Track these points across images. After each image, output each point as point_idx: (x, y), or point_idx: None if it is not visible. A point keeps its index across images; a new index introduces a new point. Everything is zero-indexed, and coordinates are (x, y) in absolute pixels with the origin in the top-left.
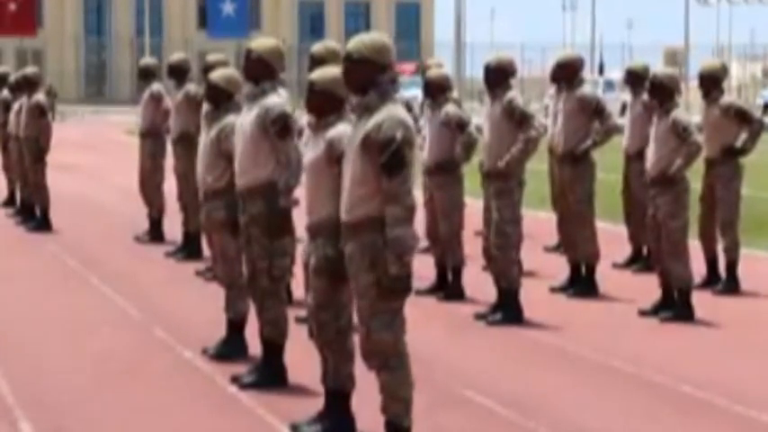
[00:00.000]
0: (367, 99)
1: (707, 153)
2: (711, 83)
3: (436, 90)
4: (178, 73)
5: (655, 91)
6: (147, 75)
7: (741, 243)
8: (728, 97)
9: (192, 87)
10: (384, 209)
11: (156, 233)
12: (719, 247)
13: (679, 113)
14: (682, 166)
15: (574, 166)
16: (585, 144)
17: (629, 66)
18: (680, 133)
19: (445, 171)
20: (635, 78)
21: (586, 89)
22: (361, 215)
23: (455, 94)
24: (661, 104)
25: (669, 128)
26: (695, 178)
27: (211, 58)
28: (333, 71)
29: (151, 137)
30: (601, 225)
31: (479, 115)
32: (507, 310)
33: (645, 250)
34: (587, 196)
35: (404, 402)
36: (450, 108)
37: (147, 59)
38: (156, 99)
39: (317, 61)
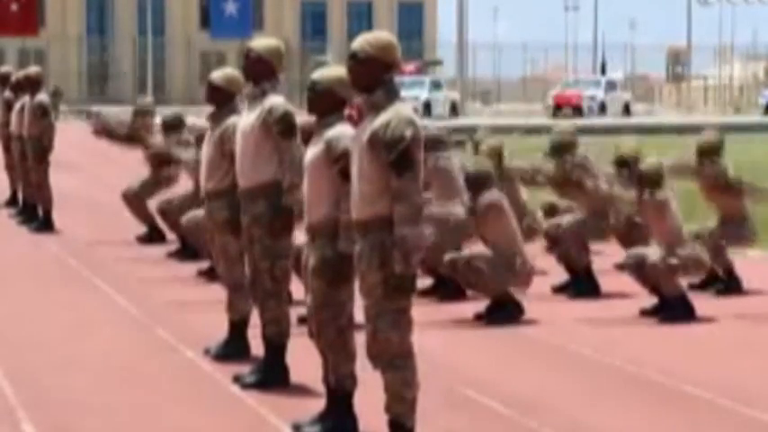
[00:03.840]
0: (374, 98)
1: None
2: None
3: None
4: (171, 127)
5: (642, 183)
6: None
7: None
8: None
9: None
10: (392, 208)
11: (156, 235)
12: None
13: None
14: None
15: None
16: None
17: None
18: (658, 207)
19: None
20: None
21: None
22: (369, 214)
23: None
24: (647, 190)
25: (653, 208)
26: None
27: (168, 115)
28: (335, 71)
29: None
30: None
31: (480, 115)
32: (502, 309)
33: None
34: None
35: (408, 402)
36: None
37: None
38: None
39: None
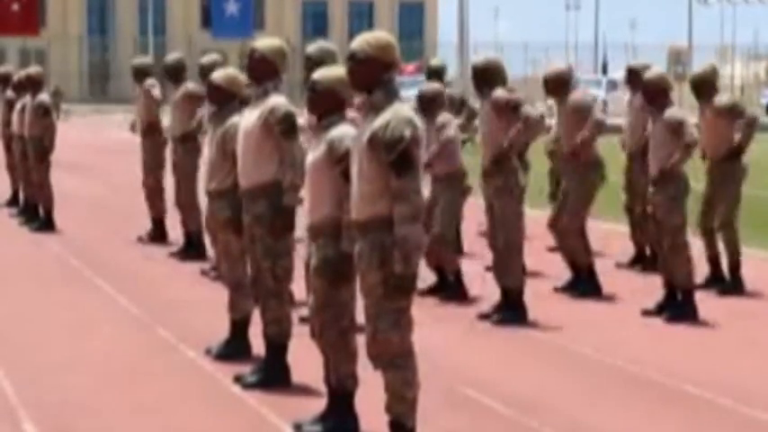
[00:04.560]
0: (373, 98)
1: (708, 153)
2: (703, 85)
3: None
4: (174, 73)
5: (648, 93)
6: (140, 74)
7: (745, 243)
8: (722, 96)
9: (191, 85)
10: (392, 208)
11: (158, 233)
12: (721, 247)
13: (672, 111)
14: (678, 159)
15: (576, 166)
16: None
17: (629, 64)
18: (675, 129)
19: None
20: (635, 77)
21: (577, 95)
22: (369, 214)
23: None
24: (655, 105)
25: (665, 127)
26: (696, 177)
27: (206, 59)
28: (335, 71)
29: (151, 135)
30: (604, 224)
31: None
32: (511, 309)
33: (648, 250)
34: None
35: (409, 402)
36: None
37: (142, 59)
38: (148, 94)
39: (314, 63)
